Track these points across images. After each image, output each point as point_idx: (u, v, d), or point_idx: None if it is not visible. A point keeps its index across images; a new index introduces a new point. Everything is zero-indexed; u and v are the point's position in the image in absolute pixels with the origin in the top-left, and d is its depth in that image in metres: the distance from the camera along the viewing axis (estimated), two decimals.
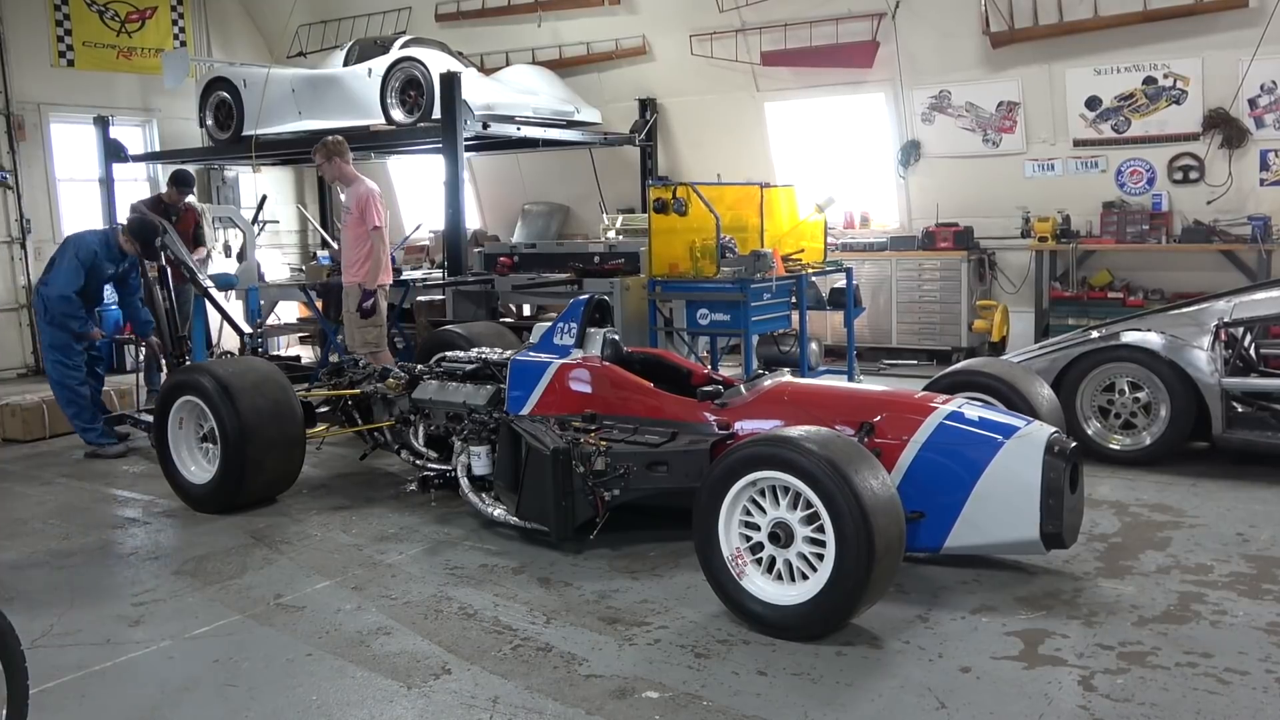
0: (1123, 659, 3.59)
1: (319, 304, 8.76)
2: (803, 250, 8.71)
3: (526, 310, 10.49)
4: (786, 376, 5.15)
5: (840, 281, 8.85)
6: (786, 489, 3.84)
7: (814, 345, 8.74)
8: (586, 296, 5.60)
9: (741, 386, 4.99)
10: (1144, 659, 3.59)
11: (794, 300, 8.14)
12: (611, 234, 10.32)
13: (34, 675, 2.88)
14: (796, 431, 3.91)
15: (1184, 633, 3.80)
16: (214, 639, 4.00)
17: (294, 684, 3.58)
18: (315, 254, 13.06)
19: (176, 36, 12.79)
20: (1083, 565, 4.50)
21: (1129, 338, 6.12)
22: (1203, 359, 5.88)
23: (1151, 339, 6.04)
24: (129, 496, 6.18)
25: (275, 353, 11.16)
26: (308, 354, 11.32)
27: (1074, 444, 4.22)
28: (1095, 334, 6.35)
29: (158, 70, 11.63)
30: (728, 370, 7.70)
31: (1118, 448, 6.16)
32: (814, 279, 8.61)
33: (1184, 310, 6.37)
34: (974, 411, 4.44)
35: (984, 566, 4.49)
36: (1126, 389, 6.13)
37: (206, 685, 3.61)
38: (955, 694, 3.38)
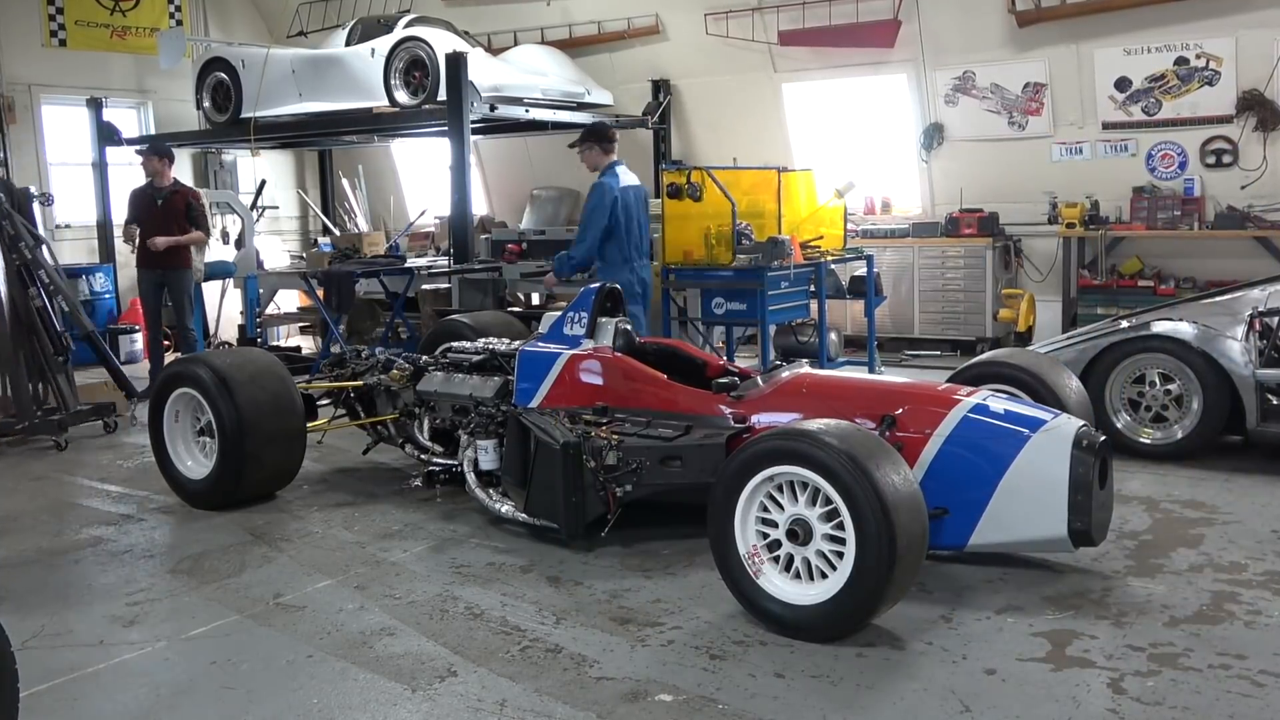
0: (1153, 661, 3.51)
1: (320, 292, 8.68)
2: (822, 237, 8.61)
3: (535, 299, 10.40)
4: (805, 368, 5.07)
5: (860, 269, 8.75)
6: (805, 484, 3.74)
7: (833, 335, 8.64)
8: (598, 285, 5.49)
9: (758, 378, 4.90)
10: (1175, 661, 3.50)
11: (812, 289, 8.05)
12: None
13: (24, 678, 2.81)
14: (815, 425, 3.82)
15: (1217, 633, 3.71)
16: (211, 640, 3.92)
17: (294, 686, 3.51)
18: (316, 241, 13.00)
19: (172, 15, 12.60)
20: (1112, 563, 4.40)
21: (1160, 327, 5.98)
22: (1236, 349, 5.74)
23: (1183, 329, 5.90)
24: (123, 492, 6.08)
25: (275, 343, 11.13)
26: (308, 344, 11.29)
27: (1103, 438, 4.12)
28: (1125, 324, 6.21)
29: (153, 50, 11.44)
30: (744, 361, 7.61)
31: (1148, 442, 6.03)
32: (833, 267, 8.51)
33: (1217, 299, 6.24)
34: (999, 404, 4.35)
35: (1009, 565, 4.38)
36: (1157, 381, 6.00)
37: (204, 688, 3.54)
38: (980, 697, 3.29)
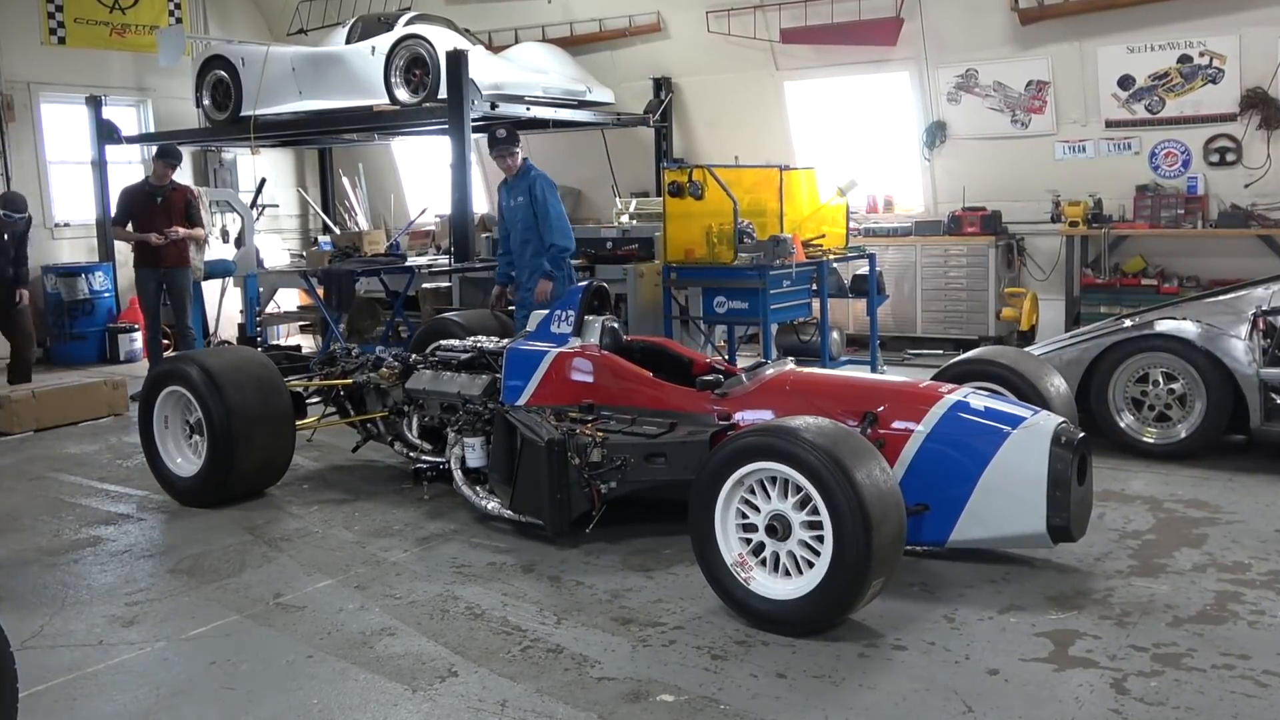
0: (1157, 661, 3.49)
1: (320, 291, 8.66)
2: (824, 235, 8.58)
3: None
4: (789, 365, 5.05)
5: (863, 268, 8.71)
6: (776, 479, 3.76)
7: (835, 334, 8.62)
8: (585, 283, 5.50)
9: (743, 376, 4.92)
10: (1179, 661, 3.49)
11: (815, 288, 8.00)
12: (625, 218, 10.22)
13: (23, 678, 2.80)
14: (790, 420, 3.85)
15: (1220, 633, 3.69)
16: (211, 640, 3.91)
17: (294, 687, 3.50)
18: (316, 239, 12.97)
19: (172, 13, 12.54)
20: (1115, 563, 4.38)
21: (1163, 326, 5.94)
22: (1240, 348, 5.71)
23: (1186, 328, 5.87)
24: (122, 492, 6.06)
25: (275, 342, 11.08)
26: (308, 343, 11.25)
27: (1081, 434, 4.14)
28: (1128, 323, 6.18)
29: (153, 48, 11.38)
30: (745, 361, 7.57)
31: (1152, 441, 6.00)
32: (835, 265, 8.47)
33: (1220, 298, 6.20)
34: (980, 401, 4.37)
35: (1011, 564, 4.36)
36: (1161, 380, 5.97)
37: (203, 688, 3.53)
38: (982, 697, 3.28)
